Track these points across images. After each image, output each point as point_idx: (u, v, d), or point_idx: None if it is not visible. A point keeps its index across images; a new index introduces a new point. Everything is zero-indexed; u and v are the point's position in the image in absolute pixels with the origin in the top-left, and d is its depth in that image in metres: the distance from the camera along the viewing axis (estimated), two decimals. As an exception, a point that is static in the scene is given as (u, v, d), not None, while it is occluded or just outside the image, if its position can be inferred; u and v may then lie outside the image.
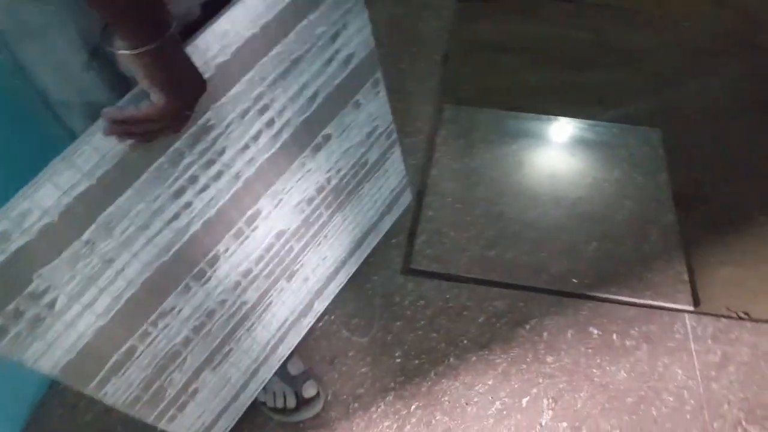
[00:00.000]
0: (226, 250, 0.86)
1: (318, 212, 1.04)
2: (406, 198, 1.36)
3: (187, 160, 0.71)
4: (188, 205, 0.75)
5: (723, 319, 1.28)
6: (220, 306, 0.91)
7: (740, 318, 1.29)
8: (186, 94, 0.63)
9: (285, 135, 0.86)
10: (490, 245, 1.41)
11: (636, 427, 1.15)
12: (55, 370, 0.67)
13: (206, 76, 0.67)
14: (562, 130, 1.68)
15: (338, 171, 1.04)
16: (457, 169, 1.57)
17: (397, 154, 1.23)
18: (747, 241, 1.42)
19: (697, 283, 1.34)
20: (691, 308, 1.30)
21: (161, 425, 0.89)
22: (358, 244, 1.25)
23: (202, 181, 0.75)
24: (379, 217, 1.28)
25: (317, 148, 0.96)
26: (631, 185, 1.52)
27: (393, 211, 1.34)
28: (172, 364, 0.86)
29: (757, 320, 1.28)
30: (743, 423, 1.14)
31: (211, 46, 0.66)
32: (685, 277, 1.34)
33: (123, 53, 0.57)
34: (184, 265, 0.79)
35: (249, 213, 0.87)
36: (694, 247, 1.41)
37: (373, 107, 1.05)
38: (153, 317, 0.78)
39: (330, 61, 0.88)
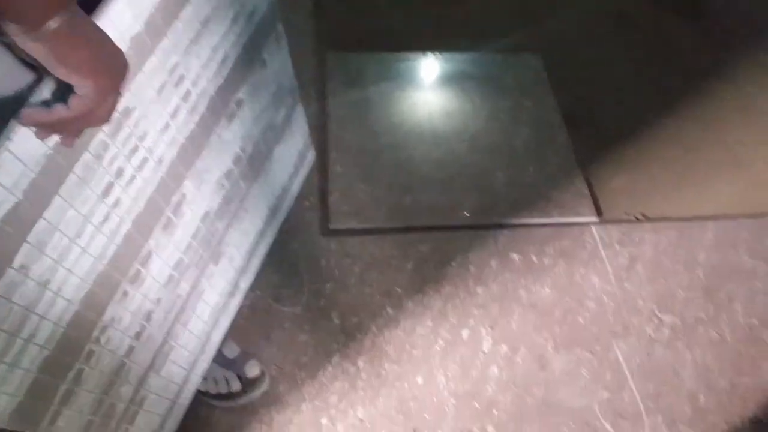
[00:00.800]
0: (158, 245, 0.78)
1: (237, 185, 0.97)
2: (311, 157, 1.31)
3: (111, 152, 0.61)
4: (117, 202, 0.65)
5: (624, 224, 1.40)
6: (156, 305, 0.83)
7: (639, 220, 1.42)
8: (114, 71, 0.50)
9: (201, 107, 0.78)
10: (404, 191, 1.41)
11: (567, 336, 1.24)
12: (2, 417, 0.57)
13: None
14: (449, 65, 1.69)
15: (251, 138, 0.97)
16: (355, 119, 1.53)
17: (300, 111, 1.17)
18: (633, 149, 1.55)
19: (597, 195, 1.45)
20: (596, 219, 1.40)
21: (114, 443, 0.81)
22: (274, 212, 1.19)
23: (128, 172, 0.66)
24: (288, 180, 1.23)
25: (231, 116, 0.88)
26: (523, 112, 1.58)
27: (300, 172, 1.28)
28: (119, 377, 0.78)
29: (653, 219, 1.42)
30: (657, 313, 1.28)
31: (124, 16, 0.56)
32: (586, 191, 1.44)
33: (20, 39, 0.42)
34: (120, 270, 0.70)
35: (174, 200, 0.79)
36: (588, 162, 1.51)
37: (277, 63, 0.98)
38: (96, 333, 0.69)
39: (236, 17, 0.80)
